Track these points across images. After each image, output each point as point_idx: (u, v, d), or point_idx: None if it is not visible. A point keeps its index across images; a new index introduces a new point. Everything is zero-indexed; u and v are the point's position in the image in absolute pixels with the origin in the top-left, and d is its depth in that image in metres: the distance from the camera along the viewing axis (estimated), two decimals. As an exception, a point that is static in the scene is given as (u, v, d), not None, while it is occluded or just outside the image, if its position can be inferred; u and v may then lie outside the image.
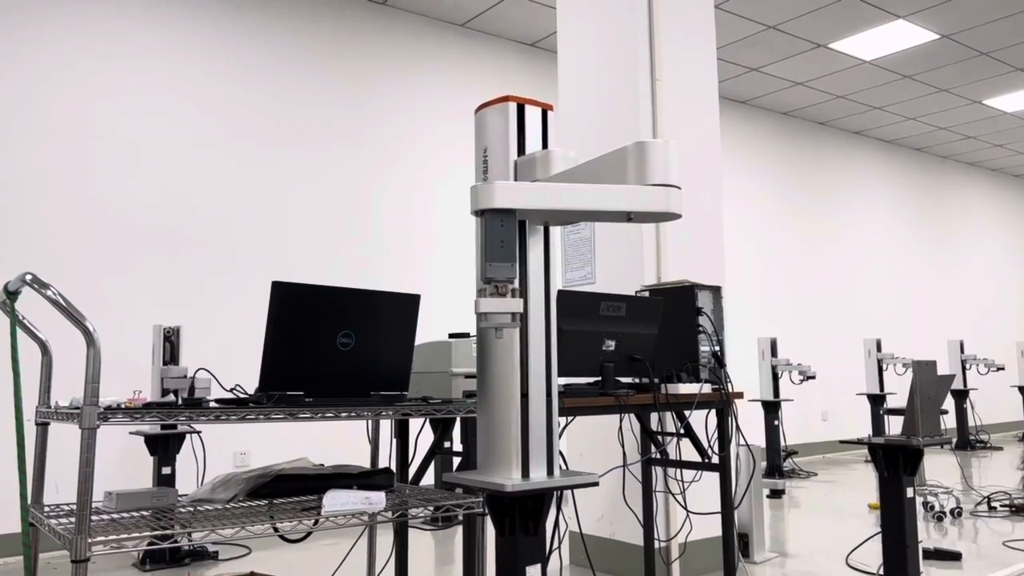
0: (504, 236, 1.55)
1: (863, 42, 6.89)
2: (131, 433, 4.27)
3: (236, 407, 1.91)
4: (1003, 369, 8.94)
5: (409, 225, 5.95)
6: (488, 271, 1.54)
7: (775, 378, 6.89)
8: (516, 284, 1.64)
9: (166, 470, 4.06)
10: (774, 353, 6.96)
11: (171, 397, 3.94)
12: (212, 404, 1.94)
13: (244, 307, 5.18)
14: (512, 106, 1.83)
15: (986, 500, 5.36)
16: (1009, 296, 11.76)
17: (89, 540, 1.64)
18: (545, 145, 1.87)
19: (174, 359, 4.14)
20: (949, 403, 9.25)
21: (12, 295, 2.03)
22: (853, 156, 9.59)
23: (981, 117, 9.10)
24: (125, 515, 1.98)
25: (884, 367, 7.60)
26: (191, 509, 2.06)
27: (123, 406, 1.78)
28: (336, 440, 5.41)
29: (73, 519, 1.90)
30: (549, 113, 1.89)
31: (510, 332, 1.77)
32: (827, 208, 9.17)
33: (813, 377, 6.98)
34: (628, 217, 1.59)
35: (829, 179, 9.25)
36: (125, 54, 4.93)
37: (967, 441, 8.79)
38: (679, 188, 1.57)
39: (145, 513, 2.01)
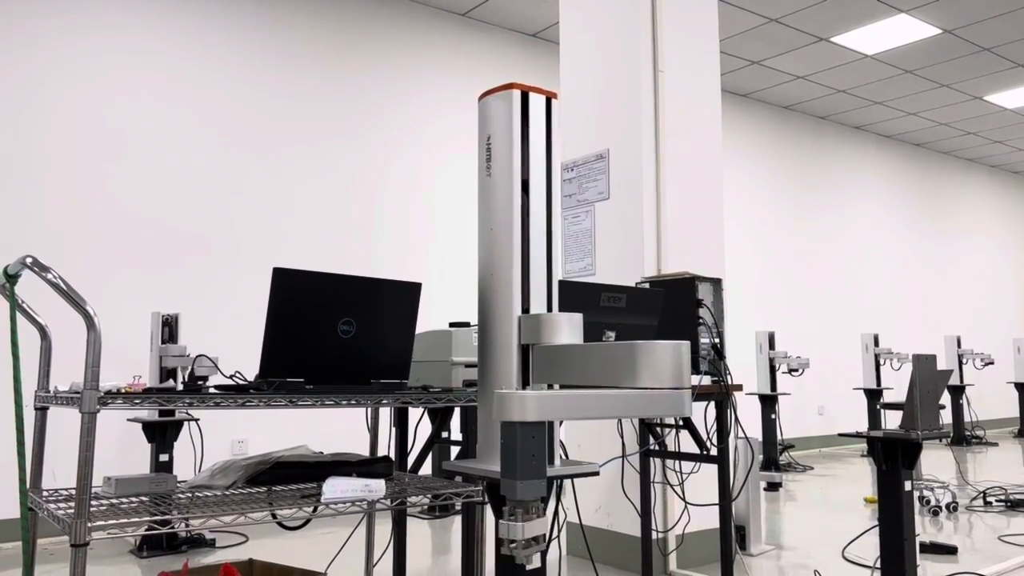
0: (536, 450, 1.45)
1: (865, 36, 6.87)
2: (128, 420, 4.26)
3: (236, 393, 1.91)
4: (992, 364, 8.95)
5: (410, 214, 5.94)
6: (520, 492, 1.42)
7: (772, 371, 6.90)
8: (541, 504, 1.55)
9: (164, 457, 4.06)
10: (772, 347, 6.97)
11: (171, 383, 3.94)
12: (212, 390, 1.94)
13: (244, 294, 5.17)
14: (516, 94, 1.82)
15: (982, 495, 5.37)
16: (1006, 292, 11.78)
17: (88, 525, 1.64)
18: (549, 133, 1.86)
19: (173, 344, 4.13)
20: (945, 398, 9.27)
21: (12, 278, 2.02)
22: (853, 151, 9.58)
23: (981, 113, 9.09)
24: (124, 500, 1.98)
25: (881, 362, 7.61)
26: (190, 495, 2.06)
27: (123, 391, 1.78)
28: (335, 428, 5.42)
29: (72, 504, 1.90)
30: (553, 101, 1.88)
31: (510, 322, 1.77)
32: (827, 202, 9.16)
33: (803, 368, 6.96)
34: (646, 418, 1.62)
35: (829, 173, 9.25)
36: (127, 45, 4.90)
37: (963, 436, 8.81)
38: (690, 390, 1.58)
39: (144, 499, 2.00)
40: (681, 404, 1.54)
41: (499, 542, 1.79)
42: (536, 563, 1.79)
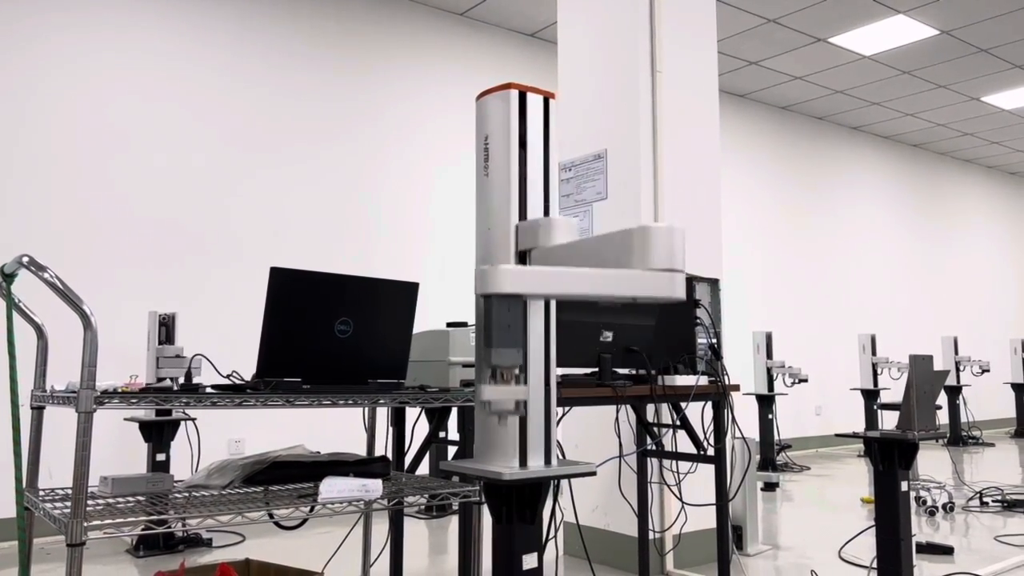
0: (511, 321, 1.51)
1: (863, 37, 6.88)
2: (125, 420, 4.25)
3: (233, 393, 1.91)
4: (988, 371, 8.97)
5: (408, 214, 5.94)
6: (494, 357, 1.50)
7: (769, 372, 6.90)
8: (519, 369, 1.60)
9: (160, 457, 4.06)
10: (769, 349, 6.97)
11: (168, 382, 3.93)
12: (209, 390, 1.94)
13: (242, 294, 5.16)
14: (514, 94, 1.82)
15: (978, 495, 5.38)
16: (1003, 293, 11.80)
17: (84, 524, 1.64)
18: (547, 134, 1.86)
19: (169, 343, 4.12)
20: (942, 399, 9.28)
21: (8, 277, 2.01)
22: (851, 151, 9.59)
23: (979, 114, 9.11)
24: (120, 500, 1.98)
25: (879, 371, 7.63)
26: (186, 495, 2.05)
27: (119, 390, 1.77)
28: (332, 428, 5.41)
29: (68, 503, 1.89)
30: (551, 102, 1.88)
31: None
32: (824, 203, 9.17)
33: (805, 380, 6.98)
34: (633, 299, 1.59)
35: (827, 174, 9.26)
36: (126, 44, 4.90)
37: (959, 437, 8.83)
38: (683, 272, 1.56)
39: (140, 498, 2.00)
40: (672, 285, 1.53)
41: (496, 542, 1.79)
42: (533, 562, 1.79)
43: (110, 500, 1.98)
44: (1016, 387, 9.71)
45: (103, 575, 3.60)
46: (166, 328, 4.12)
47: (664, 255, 1.51)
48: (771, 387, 6.90)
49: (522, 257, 1.75)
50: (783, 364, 6.96)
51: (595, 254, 1.59)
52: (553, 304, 1.85)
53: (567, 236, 1.72)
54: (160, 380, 4.02)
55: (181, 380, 2.07)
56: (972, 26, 6.70)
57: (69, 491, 2.06)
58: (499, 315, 1.50)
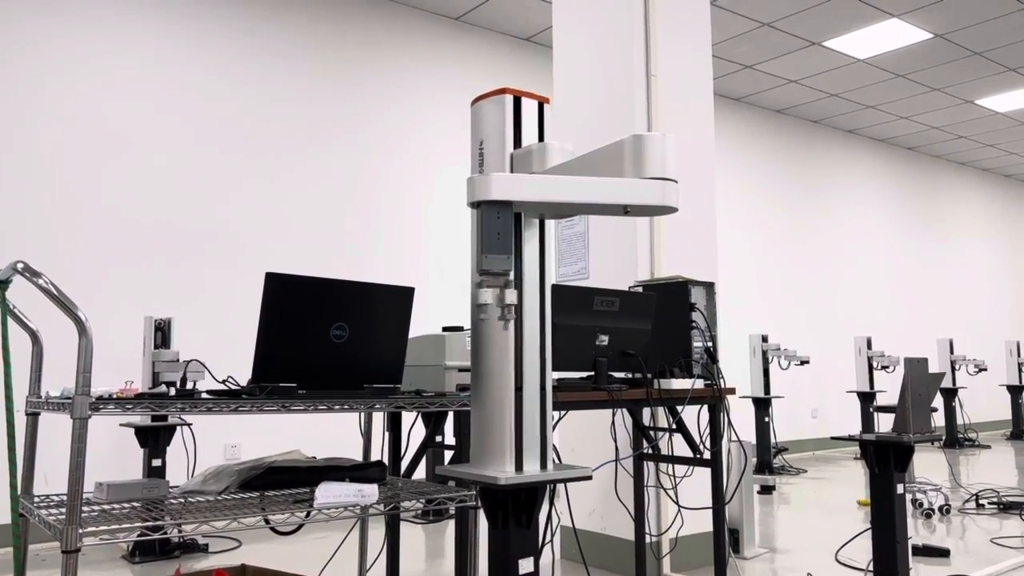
0: (501, 228, 1.53)
1: (857, 40, 6.90)
2: (121, 425, 4.25)
3: (229, 398, 1.91)
4: (985, 370, 8.99)
5: (404, 218, 5.94)
6: (484, 263, 1.53)
7: (766, 374, 6.91)
8: (512, 276, 1.64)
9: (156, 462, 4.05)
10: (765, 351, 6.98)
11: (163, 387, 3.92)
12: (204, 395, 1.94)
13: (237, 299, 5.16)
14: (509, 98, 1.83)
15: (974, 498, 5.39)
16: (999, 295, 11.83)
17: (80, 531, 1.63)
18: (541, 138, 1.87)
19: (165, 348, 4.12)
20: (938, 401, 9.31)
21: (2, 284, 2.01)
22: (846, 154, 9.62)
23: (973, 117, 9.14)
24: (115, 506, 1.97)
25: (875, 365, 7.64)
26: (182, 501, 2.05)
27: (114, 396, 1.77)
28: (328, 433, 5.40)
29: (63, 510, 1.89)
30: (545, 106, 1.89)
31: (505, 323, 1.77)
32: (819, 206, 9.19)
33: (792, 362, 6.99)
34: (625, 210, 1.59)
35: (822, 177, 9.28)
36: (123, 48, 4.90)
37: (955, 439, 8.84)
38: (676, 182, 1.57)
39: (136, 504, 2.00)
40: (664, 193, 1.53)
41: (492, 547, 1.79)
42: (529, 566, 1.79)
43: (105, 506, 1.97)
44: (1012, 389, 9.74)
45: (99, 581, 3.59)
46: (162, 333, 4.12)
47: (656, 163, 1.52)
48: (767, 385, 6.90)
49: None
50: (779, 346, 6.96)
51: (589, 168, 1.60)
52: (549, 306, 1.85)
53: (561, 159, 1.74)
54: (156, 385, 4.01)
55: (177, 385, 2.07)
56: (966, 29, 6.73)
57: (64, 497, 2.06)
58: (490, 222, 1.52)
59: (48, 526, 1.75)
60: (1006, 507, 5.12)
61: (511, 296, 1.59)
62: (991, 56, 7.33)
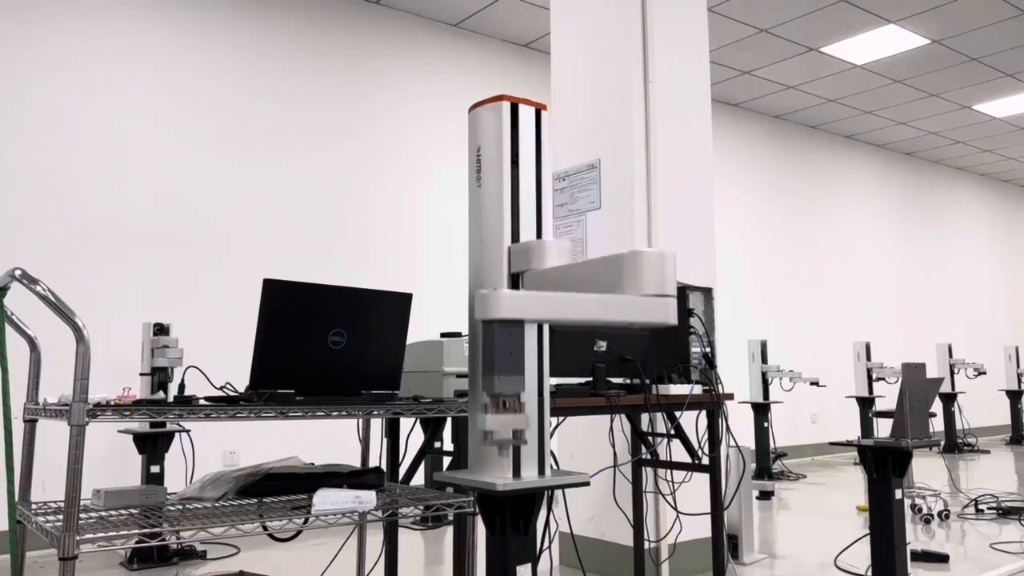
0: (513, 347, 1.50)
1: (855, 46, 6.92)
2: (119, 431, 4.24)
3: (227, 405, 1.91)
4: (984, 373, 8.99)
5: (402, 224, 5.95)
6: (497, 385, 1.48)
7: (765, 380, 6.91)
8: (523, 396, 1.59)
9: (155, 469, 4.04)
10: (764, 356, 6.98)
11: (161, 394, 3.93)
12: (202, 402, 1.94)
13: (235, 305, 5.16)
14: (506, 105, 1.83)
15: (973, 503, 5.39)
16: (997, 300, 11.84)
17: (77, 538, 1.63)
18: (539, 146, 1.87)
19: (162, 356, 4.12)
20: (937, 406, 9.30)
21: (0, 291, 2.01)
22: (844, 160, 9.64)
23: (971, 122, 9.16)
24: (113, 513, 1.97)
25: (874, 377, 7.65)
26: (180, 507, 2.05)
27: (112, 403, 1.77)
28: (326, 439, 5.40)
29: (60, 517, 1.89)
30: (543, 113, 1.89)
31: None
32: (817, 211, 9.21)
33: (817, 383, 7.02)
34: (628, 325, 1.60)
35: (820, 182, 9.29)
36: (117, 51, 4.91)
37: (955, 444, 8.84)
38: (674, 297, 1.58)
39: (133, 511, 1.99)
40: (665, 310, 1.54)
41: (490, 553, 1.79)
42: (527, 573, 1.79)
43: (103, 513, 1.97)
44: (1011, 394, 9.74)
45: (96, 588, 3.59)
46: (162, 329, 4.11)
47: (655, 280, 1.52)
48: (766, 390, 6.90)
49: (514, 279, 1.76)
50: (779, 368, 6.97)
51: (587, 278, 1.60)
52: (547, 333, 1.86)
53: (559, 259, 1.73)
54: (155, 391, 4.01)
55: (175, 392, 2.07)
56: (963, 35, 6.75)
57: (62, 504, 2.05)
58: (502, 341, 1.48)
59: (45, 533, 1.74)
60: (1005, 512, 5.12)
61: (521, 420, 1.55)
62: (988, 62, 7.35)
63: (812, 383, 7.04)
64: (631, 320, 1.54)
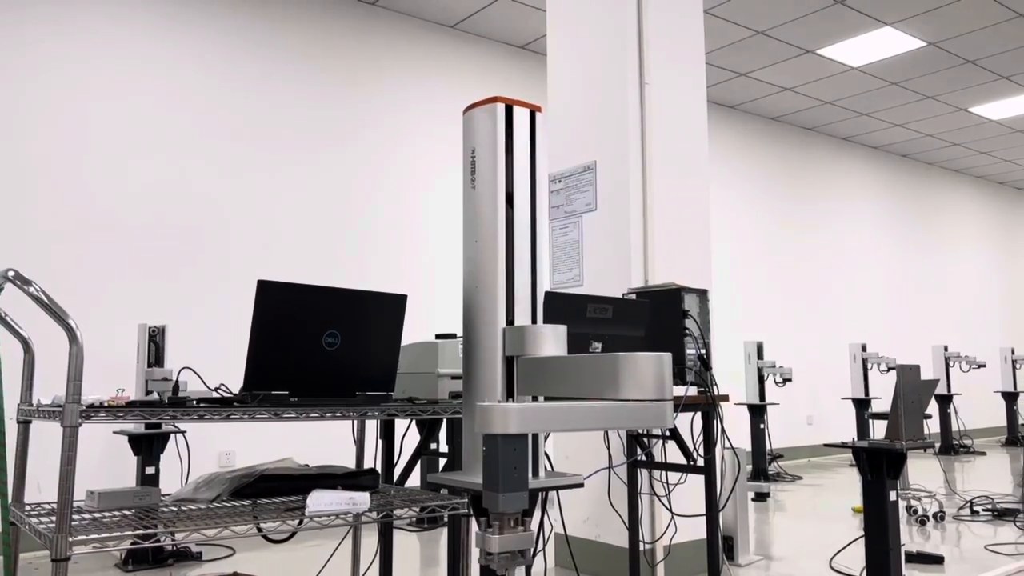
0: (517, 462, 1.46)
1: (851, 48, 6.94)
2: (115, 433, 4.24)
3: (221, 406, 1.90)
4: (984, 366, 8.99)
5: (397, 226, 5.95)
6: (501, 504, 1.43)
7: (761, 381, 6.92)
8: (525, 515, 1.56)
9: (150, 470, 4.04)
10: (760, 357, 6.99)
11: (155, 395, 3.91)
12: (196, 403, 1.93)
13: (230, 307, 5.15)
14: (500, 107, 1.84)
15: (969, 504, 5.39)
16: (992, 303, 11.86)
17: (70, 539, 1.63)
18: (533, 147, 1.88)
19: (159, 359, 4.11)
20: (933, 408, 9.32)
21: (-6, 292, 2.01)
22: (840, 162, 9.65)
23: (966, 124, 9.18)
24: (107, 514, 1.97)
25: (868, 366, 7.65)
26: (174, 509, 2.05)
27: (106, 404, 1.77)
28: (321, 440, 5.40)
29: (54, 518, 1.88)
30: (537, 115, 1.89)
31: (495, 333, 1.77)
32: (814, 213, 9.22)
33: (786, 378, 6.99)
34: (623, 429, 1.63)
35: (816, 184, 9.31)
36: (116, 53, 4.90)
37: (950, 446, 8.85)
38: (671, 400, 1.58)
39: (127, 512, 1.99)
40: (663, 416, 1.54)
41: (482, 554, 1.79)
42: (522, 574, 1.79)
43: (96, 514, 1.97)
44: (1006, 395, 9.75)
45: (91, 590, 3.58)
46: (155, 343, 4.11)
47: (653, 385, 1.52)
48: (763, 392, 6.91)
49: (508, 362, 1.76)
50: (774, 363, 6.98)
51: (582, 374, 1.60)
52: (540, 315, 1.86)
53: (553, 347, 1.74)
54: (148, 393, 4.00)
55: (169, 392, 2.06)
56: (959, 38, 6.77)
57: (55, 505, 2.05)
58: (506, 457, 1.44)
59: (38, 534, 1.74)
60: (1000, 514, 5.12)
61: (527, 539, 1.52)
62: (984, 64, 7.37)
63: (787, 380, 7.01)
64: (630, 427, 1.55)
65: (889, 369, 7.76)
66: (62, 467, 1.65)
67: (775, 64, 7.29)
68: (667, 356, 1.54)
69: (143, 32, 5.02)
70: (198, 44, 5.22)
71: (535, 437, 1.80)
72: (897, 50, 6.99)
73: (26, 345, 2.14)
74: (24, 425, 2.11)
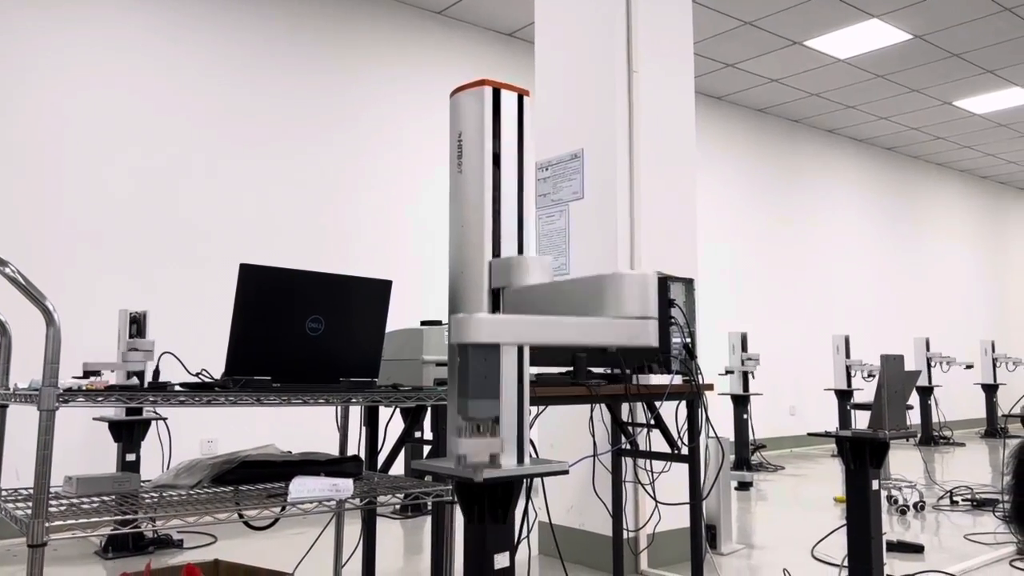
0: (488, 371, 1.49)
1: (838, 40, 6.95)
2: (95, 419, 4.19)
3: (201, 391, 1.88)
4: (972, 367, 9.10)
5: (384, 213, 5.91)
6: (471, 409, 1.47)
7: (744, 372, 6.94)
8: (498, 420, 1.59)
9: (130, 457, 4.00)
10: (744, 348, 7.01)
11: (135, 380, 3.87)
12: (177, 388, 1.91)
13: (213, 295, 5.11)
14: (488, 90, 1.81)
15: (948, 494, 5.45)
16: (975, 295, 11.97)
17: (47, 524, 1.60)
18: (521, 131, 1.85)
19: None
20: (914, 399, 9.40)
21: (-30, 273, 1.97)
22: (826, 154, 9.68)
23: (951, 118, 9.23)
24: (86, 500, 1.94)
25: (852, 373, 7.71)
26: (154, 495, 2.02)
27: (84, 388, 1.74)
28: (304, 427, 5.37)
29: (31, 504, 1.85)
30: (525, 98, 1.87)
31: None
32: (800, 205, 9.25)
33: (754, 364, 6.97)
34: (607, 348, 1.60)
35: (802, 176, 9.33)
36: (100, 40, 4.82)
37: (931, 437, 8.94)
38: (655, 319, 1.56)
39: (107, 498, 1.96)
40: (646, 332, 1.52)
41: (468, 541, 1.78)
42: (505, 561, 1.78)
43: (75, 500, 1.94)
44: (986, 388, 9.86)
45: (70, 577, 3.55)
46: (137, 326, 4.07)
47: (638, 302, 1.51)
48: (746, 382, 6.93)
49: (495, 294, 1.74)
50: (757, 357, 7.01)
51: (568, 297, 1.58)
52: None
53: (540, 276, 1.71)
54: (128, 378, 3.96)
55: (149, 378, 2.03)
56: (945, 31, 6.79)
57: (32, 491, 2.02)
58: (476, 366, 1.47)
59: (15, 520, 1.71)
60: (980, 504, 5.18)
61: (496, 444, 1.54)
62: (969, 58, 7.40)
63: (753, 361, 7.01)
64: (611, 343, 1.53)
65: (870, 376, 7.82)
66: (39, 451, 1.62)
67: (762, 55, 7.29)
68: (652, 275, 1.54)
69: (123, 21, 4.94)
70: (180, 32, 5.14)
71: (520, 422, 1.78)
72: (883, 43, 7.01)
73: (2, 328, 2.11)
74: (0, 410, 2.08)
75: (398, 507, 4.97)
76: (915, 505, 5.05)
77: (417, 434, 2.77)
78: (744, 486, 5.97)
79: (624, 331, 1.51)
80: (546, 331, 1.50)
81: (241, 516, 1.90)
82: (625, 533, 3.57)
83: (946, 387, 10.84)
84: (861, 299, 9.94)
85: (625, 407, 3.57)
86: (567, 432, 3.90)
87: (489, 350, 1.49)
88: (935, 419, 9.29)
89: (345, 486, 1.98)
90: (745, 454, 6.83)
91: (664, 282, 2.97)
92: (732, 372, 6.97)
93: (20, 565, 3.78)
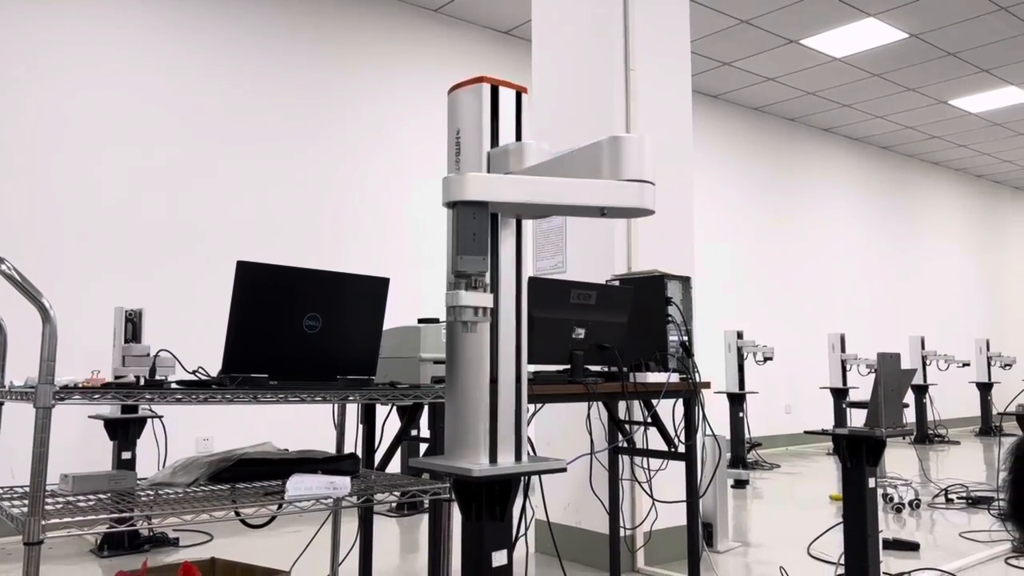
0: (476, 228, 1.51)
1: (834, 39, 6.95)
2: (90, 417, 4.18)
3: (198, 389, 1.87)
4: (968, 365, 9.13)
5: (381, 211, 5.90)
6: (460, 264, 1.50)
7: (741, 369, 6.95)
8: (487, 277, 1.62)
9: (126, 455, 3.99)
10: (739, 346, 7.02)
11: (131, 378, 3.86)
12: (173, 385, 1.90)
13: (210, 293, 5.09)
14: (486, 87, 1.81)
15: (944, 492, 5.46)
16: (970, 294, 12.00)
17: (43, 523, 1.60)
18: (519, 128, 1.85)
19: (136, 340, 4.05)
20: (909, 397, 9.43)
21: (-35, 270, 1.96)
22: (822, 153, 9.70)
23: (946, 117, 9.25)
24: (82, 498, 1.93)
25: (848, 368, 7.73)
26: (151, 493, 2.01)
27: (80, 386, 1.73)
28: (301, 425, 5.36)
29: (27, 501, 1.85)
30: (523, 96, 1.87)
31: (479, 325, 1.75)
32: (795, 204, 9.26)
33: (766, 357, 7.03)
34: (601, 212, 1.57)
35: (798, 175, 9.34)
36: (95, 37, 4.81)
37: (926, 435, 8.96)
38: (653, 184, 1.55)
39: (103, 496, 1.96)
40: (640, 195, 1.52)
41: (465, 539, 1.77)
42: (503, 559, 1.78)
43: (70, 498, 1.93)
44: (981, 386, 9.88)
45: (66, 575, 3.53)
46: (133, 324, 4.05)
47: (633, 165, 1.51)
48: (742, 380, 6.94)
49: None
50: (754, 343, 7.02)
51: (566, 168, 1.58)
52: (524, 303, 1.84)
53: (539, 158, 1.71)
54: (119, 377, 3.94)
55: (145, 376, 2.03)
56: (941, 30, 6.80)
57: (28, 489, 2.01)
58: (465, 222, 1.50)
59: (11, 518, 1.71)
60: (975, 502, 5.19)
61: (486, 299, 1.56)
62: (965, 57, 7.41)
63: (767, 359, 7.07)
64: (604, 204, 1.51)
65: (869, 369, 7.84)
66: (35, 449, 1.62)
67: (759, 54, 7.29)
68: (651, 139, 1.54)
69: (119, 19, 4.92)
70: (175, 30, 5.13)
71: (518, 420, 1.78)
72: (879, 41, 7.02)
73: (-2, 326, 2.10)
74: (-4, 407, 2.07)
75: (395, 505, 4.97)
76: (911, 503, 5.06)
77: (414, 432, 2.76)
78: (740, 484, 5.98)
79: (618, 193, 1.51)
80: (537, 190, 1.50)
81: (238, 514, 1.89)
82: (622, 531, 3.57)
83: (941, 386, 10.87)
84: (856, 297, 9.96)
85: (622, 405, 3.57)
86: (564, 430, 3.90)
87: (478, 208, 1.51)
88: (930, 417, 9.32)
89: (342, 484, 1.97)
90: (741, 452, 6.84)
91: (661, 280, 2.97)
92: (770, 359, 7.02)
93: (16, 563, 3.77)
